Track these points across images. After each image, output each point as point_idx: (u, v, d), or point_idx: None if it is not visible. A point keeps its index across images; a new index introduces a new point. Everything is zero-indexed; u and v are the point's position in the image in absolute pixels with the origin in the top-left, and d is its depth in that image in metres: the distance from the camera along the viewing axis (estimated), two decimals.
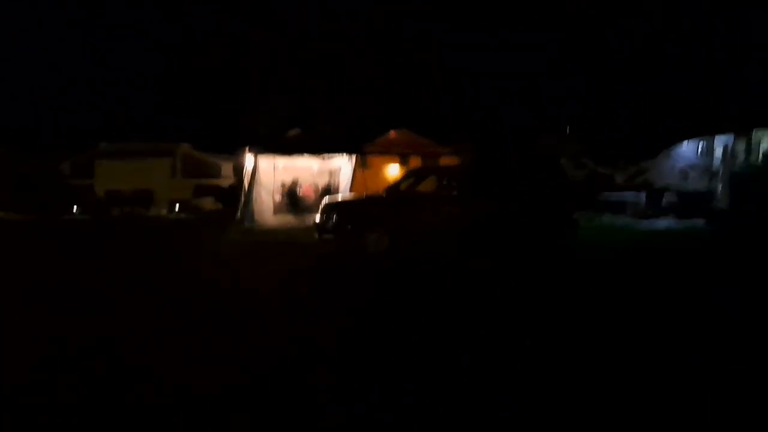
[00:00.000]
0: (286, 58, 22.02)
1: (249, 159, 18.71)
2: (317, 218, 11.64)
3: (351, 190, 15.71)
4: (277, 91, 22.98)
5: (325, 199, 11.95)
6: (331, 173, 17.76)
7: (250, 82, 22.54)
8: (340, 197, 12.20)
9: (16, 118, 25.90)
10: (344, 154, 15.81)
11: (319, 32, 21.64)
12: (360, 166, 16.35)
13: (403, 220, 10.78)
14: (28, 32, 26.00)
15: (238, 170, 22.75)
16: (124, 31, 24.08)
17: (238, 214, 18.68)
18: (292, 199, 16.71)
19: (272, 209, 16.27)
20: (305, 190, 17.48)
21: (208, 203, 23.07)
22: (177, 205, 21.82)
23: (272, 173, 16.27)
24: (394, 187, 12.28)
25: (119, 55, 22.95)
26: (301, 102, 23.18)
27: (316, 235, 11.65)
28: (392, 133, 17.64)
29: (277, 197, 16.52)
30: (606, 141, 20.08)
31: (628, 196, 20.47)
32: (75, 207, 21.38)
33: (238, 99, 23.15)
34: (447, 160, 16.86)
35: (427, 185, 12.24)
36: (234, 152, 24.59)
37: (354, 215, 10.87)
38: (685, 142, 19.34)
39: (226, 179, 24.29)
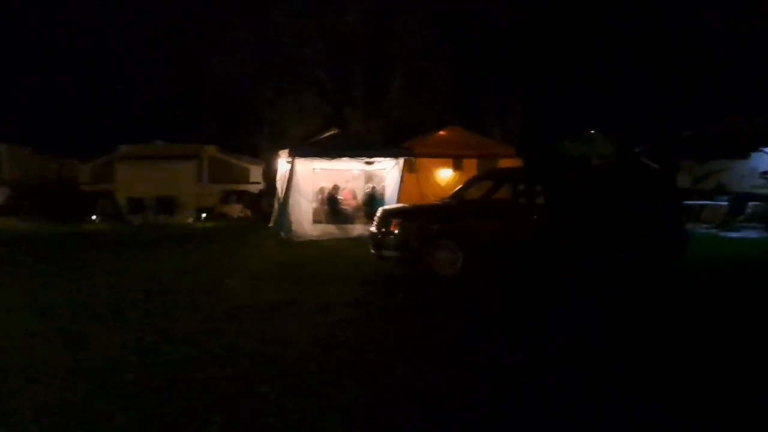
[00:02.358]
0: (320, 49, 20.37)
1: (282, 162, 17.29)
2: (373, 231, 10.03)
3: (399, 196, 14.11)
4: (310, 87, 21.39)
5: (383, 208, 10.32)
6: (373, 177, 16.25)
7: (280, 78, 20.97)
8: (399, 206, 10.51)
9: (30, 119, 24.61)
10: (393, 156, 14.15)
11: (355, 16, 19.95)
12: (408, 170, 14.73)
13: (481, 234, 9.12)
14: (45, 31, 24.84)
15: (269, 175, 21.35)
16: (145, 27, 22.74)
17: (271, 222, 17.30)
18: (333, 206, 15.18)
19: (311, 218, 14.74)
20: (344, 196, 15.97)
21: (236, 210, 21.61)
22: (203, 213, 20.35)
23: (311, 178, 14.75)
24: (459, 194, 10.64)
25: (140, 52, 21.68)
26: (336, 99, 21.57)
27: (372, 251, 10.03)
28: (443, 132, 15.98)
29: (315, 204, 15.00)
30: (669, 138, 18.11)
31: (704, 201, 18.50)
32: (94, 215, 20.03)
33: (267, 97, 21.56)
34: (507, 163, 15.15)
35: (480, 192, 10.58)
36: (263, 155, 23.22)
37: (424, 228, 9.20)
38: None
39: (255, 185, 22.80)
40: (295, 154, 14.09)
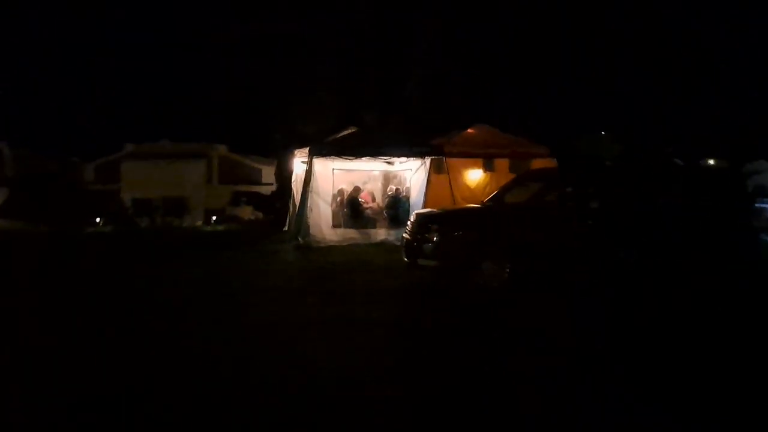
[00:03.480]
0: (333, 43, 19.40)
1: (298, 162, 16.36)
2: (406, 237, 9.09)
3: (426, 200, 13.15)
4: (324, 82, 20.41)
5: (418, 213, 9.37)
6: (393, 178, 15.31)
7: (292, 73, 20.02)
8: (437, 210, 9.56)
9: (34, 117, 23.79)
10: (421, 156, 13.18)
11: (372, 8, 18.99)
12: (436, 170, 13.77)
13: (531, 242, 8.17)
14: (48, 28, 23.99)
15: (282, 175, 20.43)
16: (153, 21, 21.83)
17: (286, 226, 16.36)
18: (354, 209, 14.23)
19: (331, 222, 13.79)
20: (363, 198, 15.04)
21: (247, 212, 20.74)
22: (213, 215, 19.46)
23: (330, 179, 13.81)
24: (500, 198, 9.68)
25: (148, 47, 20.70)
26: (353, 95, 20.58)
27: (405, 258, 9.10)
28: (471, 130, 14.99)
29: (334, 207, 14.06)
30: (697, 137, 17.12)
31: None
32: (98, 217, 19.17)
33: (279, 93, 20.62)
34: (540, 163, 14.16)
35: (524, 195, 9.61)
36: (276, 154, 22.30)
37: (467, 235, 8.25)
38: None
39: (268, 186, 21.91)
40: (314, 153, 13.12)
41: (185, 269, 10.24)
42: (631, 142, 22.10)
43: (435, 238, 8.46)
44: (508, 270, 8.28)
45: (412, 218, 9.46)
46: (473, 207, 9.76)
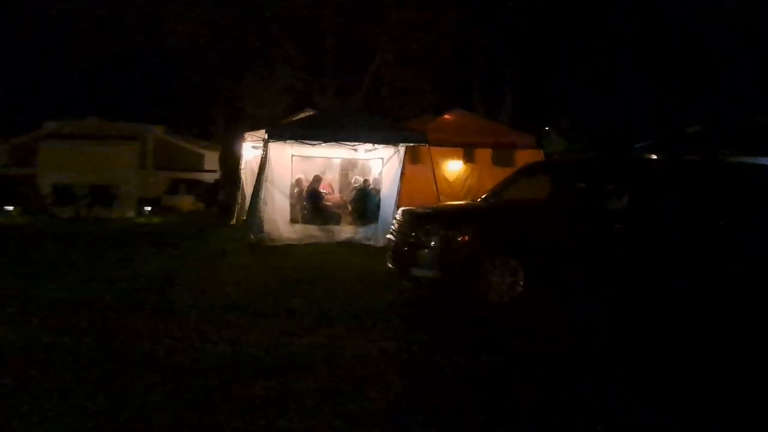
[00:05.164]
0: (288, 10, 17.33)
1: (248, 147, 14.48)
2: (393, 239, 7.48)
3: (399, 192, 11.56)
4: (278, 56, 18.33)
5: (406, 210, 7.72)
6: (358, 168, 13.60)
7: (241, 45, 17.84)
8: (433, 208, 7.98)
9: None
10: (398, 142, 11.52)
11: None
12: (412, 160, 12.19)
13: (548, 248, 6.73)
14: None
15: (227, 161, 18.38)
16: None
17: (234, 220, 14.44)
18: (314, 203, 12.44)
19: (288, 217, 11.98)
20: (324, 189, 13.30)
21: (186, 202, 18.57)
22: (147, 205, 17.19)
23: (289, 167, 11.99)
24: (499, 193, 8.22)
25: (72, 8, 18.06)
26: (310, 72, 18.58)
27: (390, 265, 7.53)
28: (448, 116, 13.43)
29: (292, 200, 12.24)
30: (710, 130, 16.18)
31: None
32: (11, 206, 16.56)
33: (226, 69, 18.42)
34: (525, 155, 12.76)
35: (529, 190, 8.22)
36: (220, 138, 20.16)
37: (474, 239, 6.71)
38: None
39: (210, 173, 19.77)
40: (273, 136, 11.25)
41: (102, 276, 8.17)
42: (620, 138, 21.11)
43: (433, 243, 6.86)
44: (521, 281, 6.80)
45: (398, 216, 7.84)
46: (476, 204, 8.19)
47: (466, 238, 6.76)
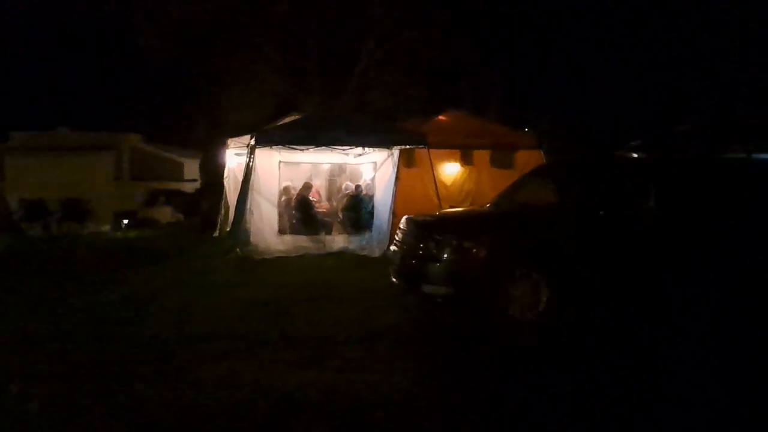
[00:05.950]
0: (269, 8, 16.51)
1: (231, 155, 13.68)
2: (400, 252, 6.74)
3: (395, 198, 10.84)
4: (261, 58, 17.49)
5: (411, 219, 6.98)
6: (347, 173, 12.87)
7: (221, 47, 16.99)
8: (443, 215, 7.24)
9: None
10: (394, 145, 10.80)
11: None
12: (406, 164, 11.51)
13: (576, 259, 6.03)
14: None
15: (209, 170, 17.49)
16: None
17: (216, 231, 13.60)
18: (305, 212, 11.65)
19: (276, 227, 11.20)
20: (314, 197, 12.54)
21: (166, 214, 17.62)
22: (125, 219, 16.22)
23: (276, 174, 11.23)
24: (511, 197, 7.54)
25: (42, 12, 17.05)
26: (297, 77, 17.79)
27: (394, 279, 6.80)
28: (443, 117, 12.71)
29: (280, 209, 11.47)
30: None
31: None
32: None
33: (205, 72, 17.53)
34: (526, 155, 12.09)
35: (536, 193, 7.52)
36: (201, 146, 19.27)
37: (494, 251, 6.00)
38: None
39: (191, 182, 18.82)
40: (260, 141, 10.47)
41: (75, 301, 7.32)
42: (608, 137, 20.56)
43: (446, 256, 6.10)
44: (545, 297, 6.08)
45: (402, 226, 7.08)
46: (489, 210, 7.42)
47: (486, 250, 6.01)
